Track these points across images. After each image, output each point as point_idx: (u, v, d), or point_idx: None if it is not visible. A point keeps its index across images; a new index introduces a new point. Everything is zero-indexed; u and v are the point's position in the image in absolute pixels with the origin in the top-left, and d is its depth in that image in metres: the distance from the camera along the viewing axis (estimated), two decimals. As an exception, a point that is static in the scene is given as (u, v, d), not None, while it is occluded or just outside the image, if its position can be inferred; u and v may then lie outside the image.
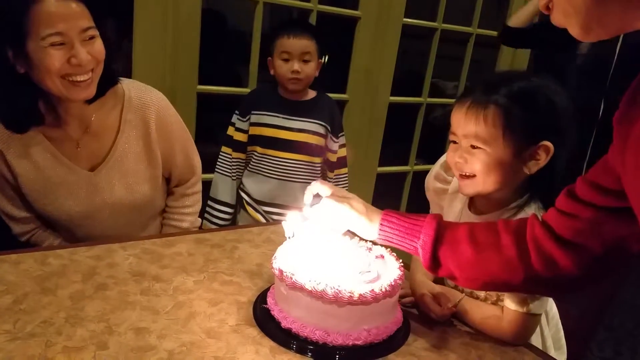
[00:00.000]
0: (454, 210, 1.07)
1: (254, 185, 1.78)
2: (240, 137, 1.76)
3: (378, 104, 2.41)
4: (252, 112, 1.74)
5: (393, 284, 0.87)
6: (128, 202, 1.27)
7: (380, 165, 2.54)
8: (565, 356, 1.11)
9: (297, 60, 1.67)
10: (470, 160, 0.93)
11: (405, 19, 2.32)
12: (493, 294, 0.99)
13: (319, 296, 0.83)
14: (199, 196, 1.46)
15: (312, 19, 2.10)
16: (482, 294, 1.01)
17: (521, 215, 0.95)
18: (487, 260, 0.83)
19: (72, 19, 1.05)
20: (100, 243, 1.15)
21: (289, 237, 0.95)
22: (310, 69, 1.70)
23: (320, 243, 0.96)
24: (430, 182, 1.14)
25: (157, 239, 1.19)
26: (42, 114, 1.15)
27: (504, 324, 0.94)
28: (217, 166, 1.78)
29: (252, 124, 1.74)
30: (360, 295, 0.83)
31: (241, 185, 1.82)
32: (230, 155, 1.77)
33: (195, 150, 1.42)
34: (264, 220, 1.77)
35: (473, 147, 0.92)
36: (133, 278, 1.02)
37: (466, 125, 0.92)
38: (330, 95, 1.97)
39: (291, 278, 0.86)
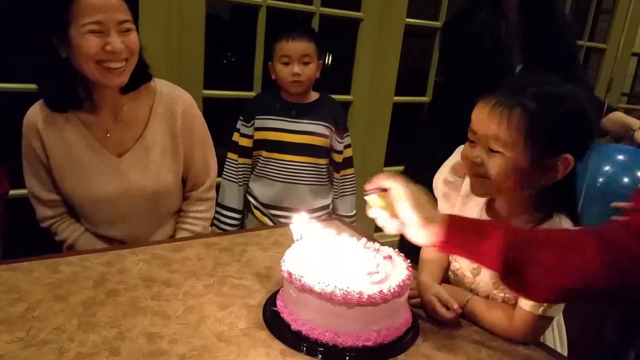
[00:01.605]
0: (468, 214, 1.04)
1: (261, 189, 1.79)
2: (246, 142, 1.77)
3: (382, 104, 2.41)
4: (256, 117, 1.75)
5: (401, 284, 0.88)
6: (151, 190, 1.31)
7: (386, 165, 2.54)
8: (565, 349, 1.10)
9: (297, 63, 1.68)
10: (487, 162, 0.90)
11: (407, 19, 2.32)
12: (511, 297, 0.97)
13: (328, 298, 0.84)
14: (213, 203, 1.49)
15: (315, 22, 2.11)
16: (498, 298, 1.00)
17: (547, 224, 0.91)
18: (571, 264, 0.76)
19: (111, 11, 1.15)
20: (110, 250, 1.16)
21: (297, 240, 0.96)
22: (311, 71, 1.71)
23: (328, 245, 0.97)
24: (439, 186, 1.13)
25: (166, 244, 1.20)
26: (80, 98, 1.24)
27: (515, 323, 0.94)
28: (223, 172, 1.79)
29: (257, 129, 1.75)
30: (369, 296, 0.84)
31: (248, 190, 1.83)
32: (237, 161, 1.78)
33: (213, 154, 1.47)
34: (271, 224, 1.78)
35: (491, 150, 0.89)
36: (143, 283, 1.03)
37: (489, 125, 0.88)
38: (335, 96, 1.97)
39: (300, 280, 0.86)
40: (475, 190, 0.97)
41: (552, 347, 1.04)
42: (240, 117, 1.78)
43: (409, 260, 0.97)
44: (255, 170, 1.80)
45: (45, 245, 1.35)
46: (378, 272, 0.90)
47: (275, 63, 1.72)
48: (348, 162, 1.87)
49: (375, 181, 0.87)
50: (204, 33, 1.90)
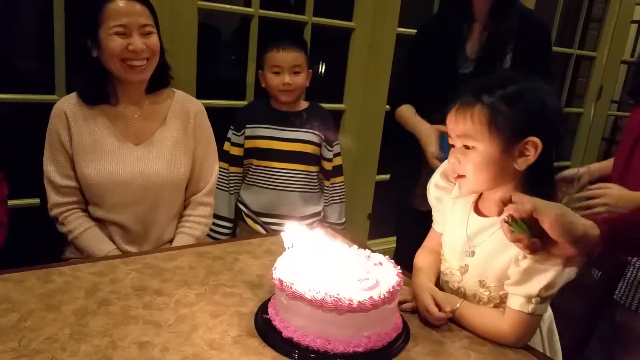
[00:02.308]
0: (458, 215, 1.08)
1: (252, 197, 1.80)
2: (236, 151, 1.78)
3: (375, 112, 2.43)
4: (247, 125, 1.76)
5: (392, 290, 0.89)
6: (164, 176, 1.40)
7: (379, 172, 2.55)
8: (560, 356, 1.11)
9: (288, 72, 1.71)
10: (462, 161, 0.97)
11: (399, 29, 2.35)
12: (495, 296, 1.00)
13: (318, 305, 0.85)
14: (212, 210, 1.56)
15: (307, 31, 2.13)
16: (484, 297, 1.02)
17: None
18: None
19: (134, 15, 1.32)
20: (102, 259, 1.17)
21: (289, 248, 0.96)
22: (301, 80, 1.74)
23: (319, 252, 0.97)
24: (431, 190, 1.16)
25: (158, 254, 1.20)
26: (108, 93, 1.40)
27: (504, 326, 0.95)
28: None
29: (247, 137, 1.76)
30: (360, 302, 0.85)
31: (239, 198, 1.84)
32: (227, 170, 1.79)
33: (216, 160, 1.57)
34: (263, 232, 1.78)
35: (466, 147, 0.97)
36: (135, 293, 1.03)
37: (456, 125, 0.97)
38: (327, 105, 1.99)
39: (291, 288, 0.87)
40: (460, 192, 1.03)
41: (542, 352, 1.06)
42: (231, 127, 1.80)
43: (399, 267, 0.98)
44: (246, 178, 1.81)
45: (40, 257, 1.36)
46: (368, 279, 0.90)
47: (265, 72, 1.74)
48: (338, 170, 1.88)
49: (514, 205, 0.87)
50: (196, 43, 1.91)
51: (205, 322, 0.94)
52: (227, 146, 1.80)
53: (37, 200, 1.55)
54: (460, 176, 1.00)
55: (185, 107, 1.48)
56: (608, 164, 1.65)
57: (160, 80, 1.44)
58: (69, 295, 1.00)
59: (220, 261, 1.19)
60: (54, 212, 1.39)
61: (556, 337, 1.13)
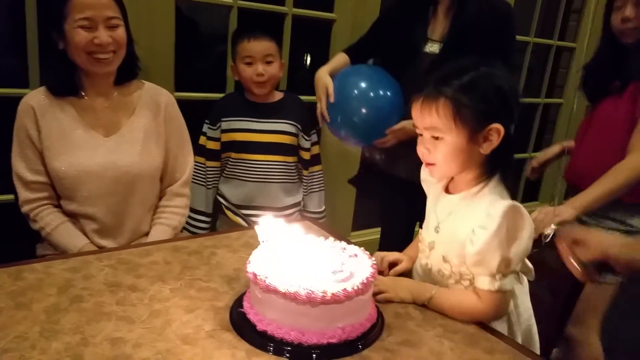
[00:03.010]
0: (432, 195, 1.15)
1: (232, 190, 1.79)
2: (213, 145, 1.77)
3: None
4: (222, 119, 1.75)
5: (365, 281, 0.89)
6: (136, 168, 1.40)
7: (362, 164, 2.55)
8: (538, 348, 1.13)
9: (261, 62, 1.69)
10: (432, 151, 1.01)
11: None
12: (457, 272, 1.04)
13: (292, 297, 0.84)
14: (188, 201, 1.56)
15: (287, 23, 2.12)
16: (446, 272, 1.06)
17: (487, 189, 1.02)
18: None
19: (100, 8, 1.30)
20: (75, 255, 1.15)
21: (263, 241, 0.96)
22: (274, 70, 1.72)
23: (294, 245, 0.97)
24: (422, 174, 1.19)
25: (133, 249, 1.19)
26: (76, 85, 1.38)
27: (480, 306, 1.00)
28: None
29: (224, 131, 1.75)
30: (333, 294, 0.84)
31: (218, 192, 1.82)
32: (204, 164, 1.78)
33: (191, 151, 1.56)
34: (244, 224, 1.78)
35: (435, 137, 1.00)
36: (109, 289, 1.02)
37: (423, 118, 1.01)
38: (309, 97, 1.98)
39: (265, 281, 0.87)
40: (433, 176, 1.09)
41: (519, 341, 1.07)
42: (206, 121, 1.78)
43: (373, 259, 0.98)
44: (225, 171, 1.80)
45: (14, 254, 1.34)
46: (342, 271, 0.90)
47: (238, 64, 1.73)
48: (316, 159, 1.88)
49: (584, 250, 0.95)
50: (174, 34, 1.89)
51: (179, 317, 0.93)
52: (202, 140, 1.79)
53: (10, 197, 1.52)
54: (430, 164, 1.04)
55: (154, 98, 1.47)
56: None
57: (128, 72, 1.43)
58: (41, 293, 0.99)
59: (196, 255, 1.18)
60: (24, 208, 1.36)
61: (534, 329, 1.14)
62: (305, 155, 1.83)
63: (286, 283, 0.85)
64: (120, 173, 1.37)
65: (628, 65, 1.58)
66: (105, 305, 0.96)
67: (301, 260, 0.93)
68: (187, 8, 2.04)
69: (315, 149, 1.88)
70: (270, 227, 0.95)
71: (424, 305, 1.04)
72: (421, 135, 1.04)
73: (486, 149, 0.99)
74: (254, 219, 1.76)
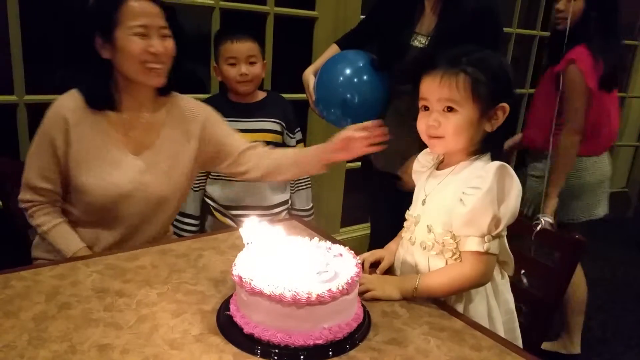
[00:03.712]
0: (423, 177, 1.18)
1: (219, 191, 1.79)
2: None
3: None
4: None
5: (350, 281, 0.90)
6: (165, 191, 1.38)
7: (348, 161, 2.56)
8: (520, 342, 1.15)
9: (244, 63, 1.70)
10: (444, 123, 1.05)
11: (362, 16, 2.34)
12: (440, 241, 1.07)
13: (277, 300, 0.85)
14: None
15: (269, 22, 2.12)
16: (429, 242, 1.09)
17: (477, 163, 1.07)
18: None
19: (153, 17, 1.28)
20: (62, 262, 1.15)
21: (248, 244, 0.97)
22: (257, 70, 1.74)
23: (279, 247, 0.98)
24: (415, 166, 1.23)
25: (120, 254, 1.19)
26: (115, 99, 1.33)
27: (467, 269, 1.03)
28: None
29: None
30: (318, 295, 0.86)
31: (206, 193, 1.83)
32: None
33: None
34: (233, 224, 1.78)
35: (449, 109, 1.04)
36: (96, 295, 1.02)
37: (441, 91, 1.04)
38: (292, 95, 1.98)
39: (250, 284, 0.87)
40: (437, 150, 1.13)
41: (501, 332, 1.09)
42: None
43: (358, 258, 0.99)
44: (211, 173, 1.80)
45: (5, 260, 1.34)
46: (327, 271, 0.92)
47: (221, 64, 1.74)
48: None
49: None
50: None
51: (166, 321, 0.94)
52: None
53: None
54: (437, 137, 1.07)
55: (188, 113, 1.43)
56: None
57: (170, 85, 1.38)
58: (29, 301, 0.99)
59: (184, 258, 1.19)
60: (22, 205, 1.34)
61: (516, 324, 1.17)
62: None
63: (271, 285, 0.86)
64: (147, 194, 1.34)
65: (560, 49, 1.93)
66: (93, 312, 0.96)
67: (286, 261, 0.94)
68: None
69: (301, 146, 1.89)
70: (254, 228, 0.96)
71: (413, 299, 1.06)
72: (426, 109, 1.08)
73: (492, 126, 1.06)
74: (243, 219, 1.76)
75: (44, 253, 1.37)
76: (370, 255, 1.21)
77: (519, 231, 1.33)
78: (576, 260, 1.27)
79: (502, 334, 1.09)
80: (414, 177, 1.22)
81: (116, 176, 1.31)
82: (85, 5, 1.31)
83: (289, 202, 1.91)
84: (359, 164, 2.47)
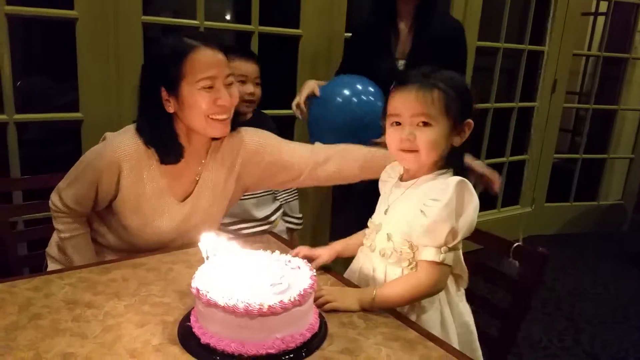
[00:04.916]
0: (388, 188, 1.22)
1: None
2: None
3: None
4: None
5: (302, 293, 0.94)
6: (201, 231, 1.32)
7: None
8: (479, 355, 1.18)
9: (252, 83, 1.74)
10: (418, 137, 1.09)
11: (346, 34, 2.40)
12: (398, 249, 1.12)
13: (231, 310, 0.89)
14: None
15: (254, 41, 2.18)
16: (388, 251, 1.13)
17: (440, 178, 1.12)
18: None
19: (220, 66, 1.23)
20: (38, 275, 1.20)
21: (207, 258, 1.01)
22: (259, 92, 1.78)
23: (238, 260, 1.02)
24: (383, 175, 1.28)
25: (94, 267, 1.24)
26: (183, 152, 1.29)
27: (422, 278, 1.07)
28: None
29: None
30: (270, 306, 0.89)
31: None
32: None
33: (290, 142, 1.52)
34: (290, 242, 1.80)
35: (424, 124, 1.08)
36: (67, 306, 1.07)
37: (417, 106, 1.08)
38: (278, 111, 2.03)
39: (206, 295, 0.92)
40: (409, 164, 1.15)
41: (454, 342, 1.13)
42: None
43: (314, 270, 1.03)
44: None
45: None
46: (281, 283, 0.96)
47: None
48: None
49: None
50: (142, 56, 1.95)
51: (130, 331, 0.98)
52: None
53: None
54: (413, 151, 1.10)
55: (234, 148, 1.40)
56: None
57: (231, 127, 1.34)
58: (2, 312, 1.04)
59: (154, 272, 1.23)
60: (50, 204, 1.36)
61: (474, 336, 1.20)
62: None
63: (226, 297, 0.90)
64: (187, 237, 1.36)
65: None
66: (61, 322, 1.01)
67: (243, 274, 0.98)
68: (154, 32, 2.10)
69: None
70: (212, 243, 1.00)
71: (371, 310, 1.09)
72: (397, 124, 1.11)
73: (458, 141, 1.12)
74: (244, 231, 1.83)
75: (57, 253, 1.41)
76: (303, 249, 1.25)
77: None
78: (541, 273, 1.30)
79: (455, 345, 1.12)
80: (380, 186, 1.27)
81: (162, 223, 1.32)
82: (149, 59, 1.28)
83: (275, 213, 1.95)
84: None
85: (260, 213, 1.89)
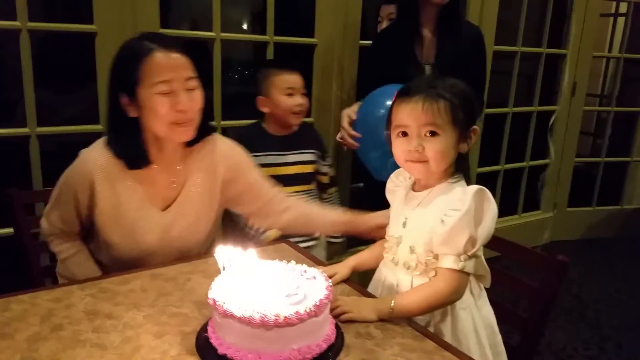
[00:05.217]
0: (400, 199, 1.22)
1: None
2: None
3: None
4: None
5: (318, 304, 0.93)
6: (190, 242, 1.38)
7: (353, 182, 2.60)
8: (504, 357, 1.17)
9: (299, 94, 1.74)
10: (427, 147, 1.09)
11: (362, 42, 2.41)
12: (422, 261, 1.11)
13: (247, 322, 0.90)
14: None
15: (269, 51, 2.19)
16: (413, 263, 1.13)
17: (457, 187, 1.11)
18: None
19: (178, 69, 1.19)
20: (59, 286, 1.22)
21: (222, 269, 1.02)
22: (307, 103, 1.79)
23: (255, 270, 1.03)
24: (389, 185, 1.28)
25: (113, 278, 1.26)
26: (149, 157, 1.28)
27: (441, 285, 1.07)
28: None
29: None
30: (286, 317, 0.89)
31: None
32: None
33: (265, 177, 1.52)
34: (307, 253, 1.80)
35: (432, 133, 1.08)
36: (87, 317, 1.08)
37: (425, 116, 1.08)
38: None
39: (222, 306, 0.92)
40: (419, 174, 1.15)
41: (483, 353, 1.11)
42: None
43: (330, 281, 1.03)
44: None
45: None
46: (297, 294, 0.96)
47: (274, 95, 1.74)
48: (333, 181, 1.94)
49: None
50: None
51: (148, 342, 0.99)
52: None
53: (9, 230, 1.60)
54: (422, 161, 1.10)
55: (218, 157, 1.39)
56: None
57: (201, 134, 1.32)
58: (25, 323, 1.06)
59: (172, 282, 1.24)
60: (41, 232, 1.39)
61: (499, 338, 1.19)
62: (325, 179, 1.89)
63: (242, 308, 0.91)
64: (173, 249, 1.35)
65: None
66: (82, 333, 1.02)
67: (259, 284, 0.98)
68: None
69: (332, 171, 1.93)
70: (228, 254, 1.01)
71: (389, 320, 1.08)
72: (404, 134, 1.11)
73: (465, 148, 1.12)
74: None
75: (64, 272, 1.42)
76: (328, 270, 1.24)
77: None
78: (559, 281, 1.27)
79: (487, 348, 1.12)
80: (389, 196, 1.27)
81: (143, 234, 1.31)
82: (114, 61, 1.26)
83: None
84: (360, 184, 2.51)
85: None
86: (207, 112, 1.31)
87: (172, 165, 1.33)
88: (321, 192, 1.91)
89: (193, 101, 1.22)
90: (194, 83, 1.23)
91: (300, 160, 1.81)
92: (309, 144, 1.84)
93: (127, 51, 1.22)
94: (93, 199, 1.28)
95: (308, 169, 1.82)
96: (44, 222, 1.37)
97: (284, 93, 1.73)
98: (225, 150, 1.42)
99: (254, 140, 1.78)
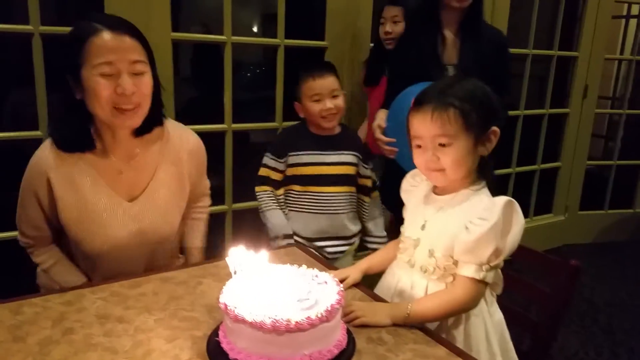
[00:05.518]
0: (418, 199, 1.21)
1: (302, 224, 1.82)
2: (277, 176, 1.82)
3: (352, 125, 2.48)
4: (289, 153, 1.79)
5: (329, 309, 0.93)
6: (160, 231, 1.35)
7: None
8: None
9: (328, 98, 1.74)
10: (442, 158, 1.08)
11: (372, 44, 2.40)
12: (441, 266, 1.11)
13: (258, 326, 0.89)
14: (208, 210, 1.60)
15: (280, 54, 2.20)
16: (430, 267, 1.12)
17: (482, 194, 1.11)
18: None
19: (123, 51, 1.15)
20: (71, 289, 1.22)
21: (234, 273, 1.01)
22: (341, 103, 1.78)
23: (266, 275, 1.02)
24: (404, 185, 1.28)
25: (124, 282, 1.26)
26: (92, 140, 1.25)
27: (459, 292, 1.06)
28: (263, 205, 1.81)
29: (290, 165, 1.80)
30: (297, 322, 0.89)
31: None
32: (273, 191, 1.82)
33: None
34: (318, 255, 1.79)
35: (442, 145, 1.07)
36: (98, 321, 1.08)
37: (434, 128, 1.08)
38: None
39: (234, 311, 0.92)
40: (438, 182, 1.15)
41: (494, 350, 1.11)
42: (269, 153, 1.82)
43: (341, 286, 1.02)
44: (292, 205, 1.84)
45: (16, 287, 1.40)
46: (308, 299, 0.95)
47: (304, 102, 1.77)
48: (376, 184, 1.93)
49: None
50: (172, 73, 1.99)
51: (159, 346, 0.99)
52: (265, 172, 1.82)
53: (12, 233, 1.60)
54: (438, 170, 1.10)
55: (176, 150, 1.37)
56: None
57: (151, 122, 1.29)
58: (37, 326, 1.06)
59: (183, 286, 1.24)
60: (21, 244, 1.38)
61: (508, 337, 1.18)
62: (367, 182, 1.88)
63: (253, 312, 0.90)
64: (145, 239, 1.32)
65: (387, 63, 2.14)
66: (93, 337, 1.03)
67: (271, 289, 0.98)
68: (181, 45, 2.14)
69: (374, 176, 1.93)
70: (239, 259, 1.01)
71: (401, 326, 1.07)
72: (419, 146, 1.11)
73: (486, 150, 1.10)
74: (328, 249, 1.83)
75: (47, 281, 1.42)
76: (339, 273, 1.24)
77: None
78: (573, 286, 1.26)
79: (498, 355, 1.11)
80: (404, 196, 1.26)
81: (109, 227, 1.27)
82: (57, 43, 1.23)
83: (360, 231, 1.94)
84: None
85: (355, 227, 1.89)
86: (158, 99, 1.27)
87: (130, 155, 1.30)
88: (364, 196, 1.90)
89: (139, 86, 1.17)
90: (142, 67, 1.18)
91: (340, 161, 1.81)
92: (350, 146, 1.83)
93: (75, 31, 1.19)
94: (52, 195, 1.24)
95: (349, 170, 1.82)
96: (19, 234, 1.35)
97: (311, 100, 1.75)
98: (192, 142, 1.41)
99: (296, 138, 1.81)
